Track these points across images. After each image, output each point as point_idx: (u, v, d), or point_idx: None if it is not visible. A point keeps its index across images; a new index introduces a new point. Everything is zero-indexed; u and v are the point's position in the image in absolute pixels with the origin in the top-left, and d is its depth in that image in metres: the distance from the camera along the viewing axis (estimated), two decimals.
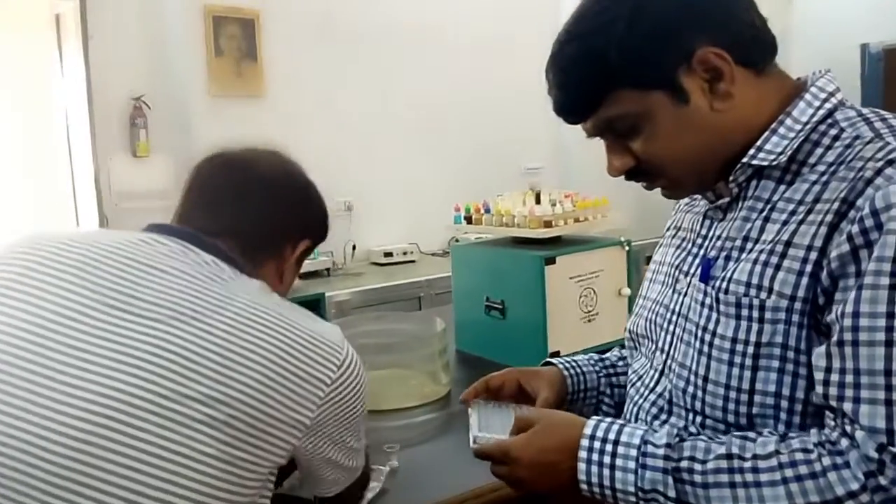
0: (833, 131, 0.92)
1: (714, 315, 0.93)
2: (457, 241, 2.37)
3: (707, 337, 0.94)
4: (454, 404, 1.84)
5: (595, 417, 0.97)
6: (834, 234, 0.84)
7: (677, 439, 0.89)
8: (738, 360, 0.91)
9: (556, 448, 0.96)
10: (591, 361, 1.30)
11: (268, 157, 1.24)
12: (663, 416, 1.02)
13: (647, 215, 4.75)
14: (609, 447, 0.91)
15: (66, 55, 3.38)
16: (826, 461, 0.79)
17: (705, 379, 0.94)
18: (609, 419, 0.96)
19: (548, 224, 2.06)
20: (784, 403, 0.88)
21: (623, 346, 1.32)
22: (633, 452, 0.90)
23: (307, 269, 3.89)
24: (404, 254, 4.33)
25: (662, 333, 1.05)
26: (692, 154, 0.96)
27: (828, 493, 0.78)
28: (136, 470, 0.87)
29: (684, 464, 0.87)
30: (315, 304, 1.55)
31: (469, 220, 2.25)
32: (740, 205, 0.97)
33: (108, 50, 3.45)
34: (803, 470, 0.80)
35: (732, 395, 0.91)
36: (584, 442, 0.93)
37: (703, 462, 0.86)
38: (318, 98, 4.11)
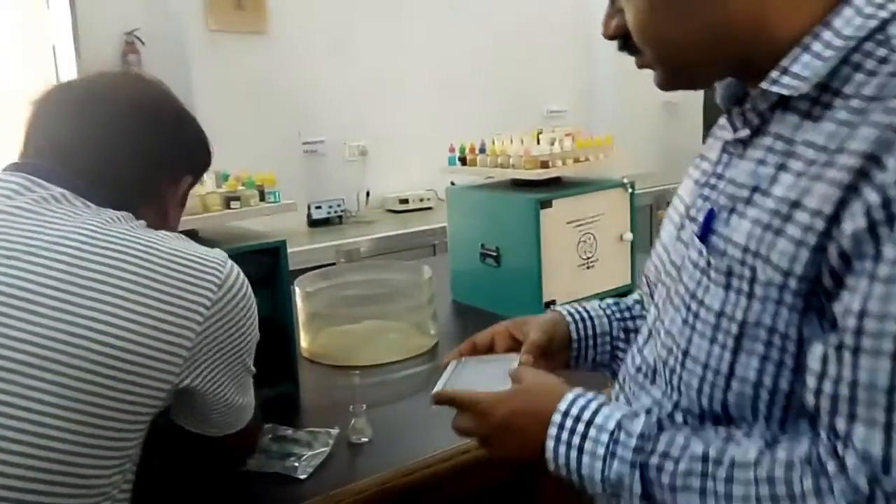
0: (881, 51, 0.73)
1: (705, 281, 0.82)
2: (453, 184, 2.29)
3: (694, 306, 0.83)
4: (442, 357, 1.79)
5: (576, 390, 0.91)
6: (851, 199, 0.68)
7: (656, 429, 0.83)
8: (720, 337, 0.79)
9: (529, 414, 0.91)
10: (603, 306, 1.20)
11: (127, 83, 1.11)
12: (647, 386, 0.93)
13: (672, 159, 4.66)
14: (581, 427, 0.85)
15: None
16: (808, 483, 0.71)
17: (685, 353, 0.84)
18: (591, 394, 0.90)
19: (545, 164, 2.00)
20: (764, 394, 0.78)
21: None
22: (605, 438, 0.84)
23: (316, 217, 3.86)
24: (421, 200, 4.27)
25: (660, 286, 0.95)
26: (681, 36, 0.81)
27: None
28: None
29: (655, 460, 0.80)
30: (274, 253, 1.48)
31: (464, 161, 2.18)
32: (761, 141, 0.82)
33: None
34: (780, 490, 0.72)
35: (710, 376, 0.81)
36: (557, 418, 0.87)
37: (677, 461, 0.79)
38: (327, 35, 4.04)
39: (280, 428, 1.37)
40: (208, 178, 1.48)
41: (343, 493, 1.24)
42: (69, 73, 3.28)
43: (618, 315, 1.19)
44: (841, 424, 0.69)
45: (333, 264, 3.37)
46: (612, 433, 0.83)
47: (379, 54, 4.21)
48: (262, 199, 1.52)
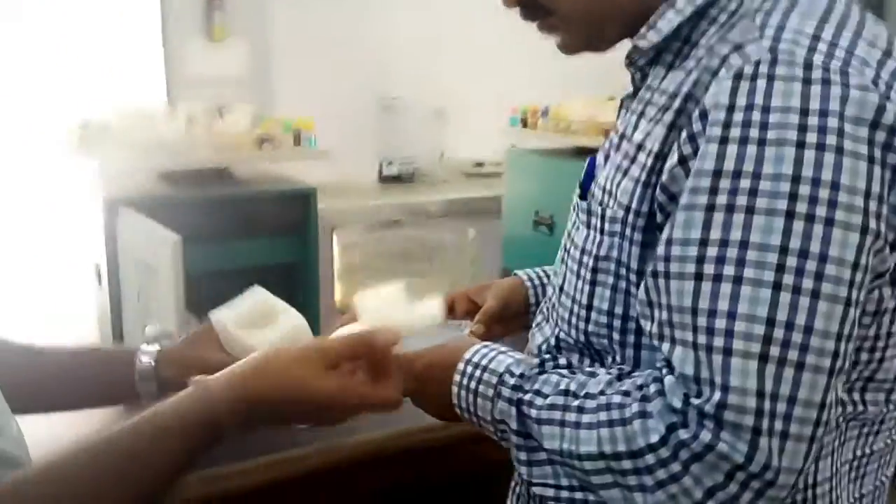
0: (733, 5, 0.80)
1: (578, 223, 0.91)
2: (514, 146, 2.24)
3: (569, 244, 0.93)
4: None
5: (490, 344, 0.95)
6: (672, 138, 0.77)
7: (536, 371, 0.88)
8: (582, 272, 0.88)
9: (441, 366, 0.94)
10: None
11: None
12: (543, 324, 1.01)
13: None
14: (478, 373, 0.91)
15: None
16: (636, 407, 0.75)
17: (561, 289, 0.93)
18: (500, 346, 0.95)
19: (607, 132, 1.90)
20: (616, 322, 0.85)
21: None
22: (494, 380, 0.89)
23: (387, 174, 3.85)
24: (497, 164, 4.19)
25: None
26: None
27: (632, 443, 0.74)
28: None
29: (527, 397, 0.86)
30: (305, 199, 1.46)
31: (525, 123, 2.12)
32: (639, 95, 0.89)
33: None
34: (615, 415, 0.76)
35: (576, 308, 0.89)
36: (460, 366, 0.93)
37: (546, 397, 0.84)
38: None
39: None
40: (243, 118, 1.46)
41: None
42: (151, 15, 3.32)
43: None
44: (665, 347, 0.74)
45: (399, 221, 3.37)
46: (500, 375, 0.88)
47: (461, 6, 4.12)
48: (298, 143, 1.49)
